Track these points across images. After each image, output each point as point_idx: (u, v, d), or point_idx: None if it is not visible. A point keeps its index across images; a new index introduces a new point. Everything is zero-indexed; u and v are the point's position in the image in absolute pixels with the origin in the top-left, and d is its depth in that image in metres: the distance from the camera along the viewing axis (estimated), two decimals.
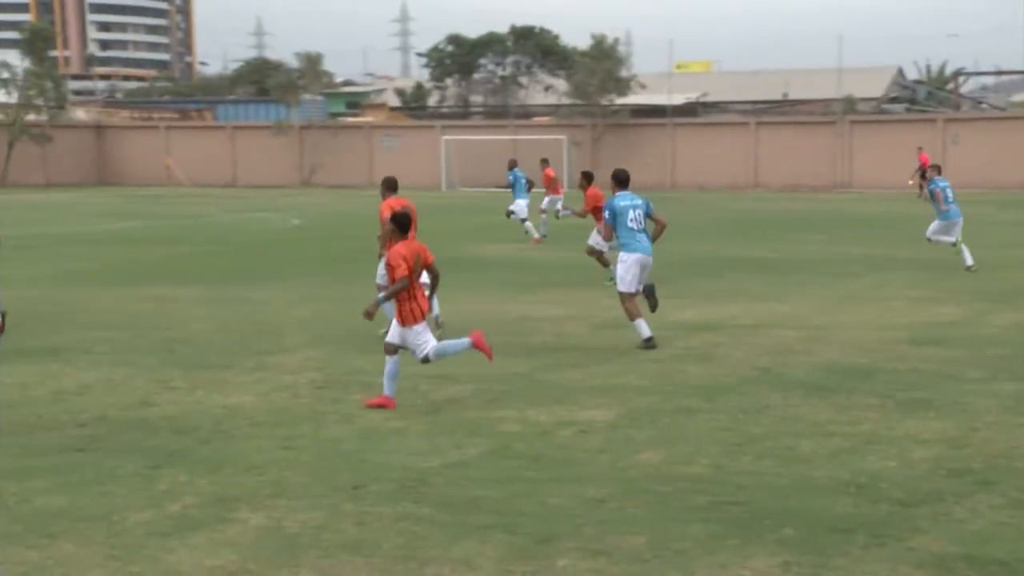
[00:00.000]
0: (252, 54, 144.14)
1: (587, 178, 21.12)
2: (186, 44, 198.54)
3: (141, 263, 23.45)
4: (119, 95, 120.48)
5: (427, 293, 11.05)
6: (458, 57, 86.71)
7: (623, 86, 64.96)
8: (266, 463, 8.57)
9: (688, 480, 8.10)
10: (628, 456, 8.77)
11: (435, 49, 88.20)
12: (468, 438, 9.33)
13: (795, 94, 74.89)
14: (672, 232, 16.84)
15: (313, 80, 71.76)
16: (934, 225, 21.97)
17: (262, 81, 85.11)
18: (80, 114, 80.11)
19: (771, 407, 10.36)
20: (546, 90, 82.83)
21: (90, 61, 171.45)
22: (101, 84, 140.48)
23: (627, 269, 13.84)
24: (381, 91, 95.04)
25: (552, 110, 73.42)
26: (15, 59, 67.42)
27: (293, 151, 68.21)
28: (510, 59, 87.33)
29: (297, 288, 19.27)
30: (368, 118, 75.86)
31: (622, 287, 13.92)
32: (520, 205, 29.15)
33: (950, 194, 21.60)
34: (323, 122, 71.77)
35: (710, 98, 75.61)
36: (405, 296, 10.58)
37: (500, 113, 78.43)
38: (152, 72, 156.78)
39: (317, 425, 9.80)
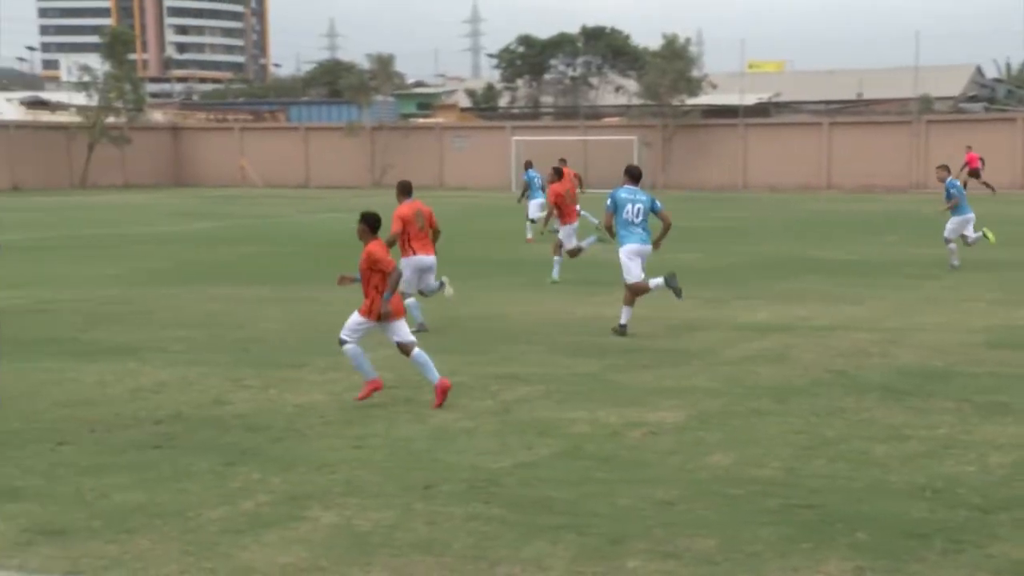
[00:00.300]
0: (325, 56, 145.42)
1: (557, 173, 21.78)
2: (260, 46, 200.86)
3: (215, 263, 23.74)
4: (195, 97, 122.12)
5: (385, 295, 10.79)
6: (529, 58, 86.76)
7: (694, 86, 64.61)
8: (338, 462, 8.63)
9: (759, 483, 8.03)
10: (698, 458, 8.72)
11: (506, 50, 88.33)
12: (538, 439, 9.33)
13: (870, 93, 73.96)
14: (744, 233, 16.71)
15: (385, 81, 72.23)
16: (950, 225, 22.13)
17: (334, 82, 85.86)
18: (157, 116, 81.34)
19: (845, 410, 10.24)
20: (616, 90, 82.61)
21: (167, 64, 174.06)
22: (178, 86, 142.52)
23: (630, 259, 14.64)
24: (452, 92, 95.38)
25: (622, 111, 73.20)
26: (96, 63, 68.64)
27: (365, 152, 68.68)
28: (580, 59, 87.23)
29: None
30: (439, 119, 76.20)
31: (629, 278, 14.58)
32: (532, 205, 29.92)
33: (962, 195, 22.10)
34: (394, 123, 72.19)
35: (783, 98, 74.92)
36: (374, 292, 10.71)
37: (570, 114, 78.40)
38: (227, 74, 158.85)
39: (388, 424, 9.86)
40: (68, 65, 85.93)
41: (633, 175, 14.93)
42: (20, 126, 67.99)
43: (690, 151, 63.31)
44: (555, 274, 20.44)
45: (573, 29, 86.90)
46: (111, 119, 67.34)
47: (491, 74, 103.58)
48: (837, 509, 7.43)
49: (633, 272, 14.57)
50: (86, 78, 67.15)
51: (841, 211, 42.05)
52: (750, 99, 68.62)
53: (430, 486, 7.99)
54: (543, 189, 29.64)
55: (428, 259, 14.66)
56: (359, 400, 10.65)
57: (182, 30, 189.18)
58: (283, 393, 11.10)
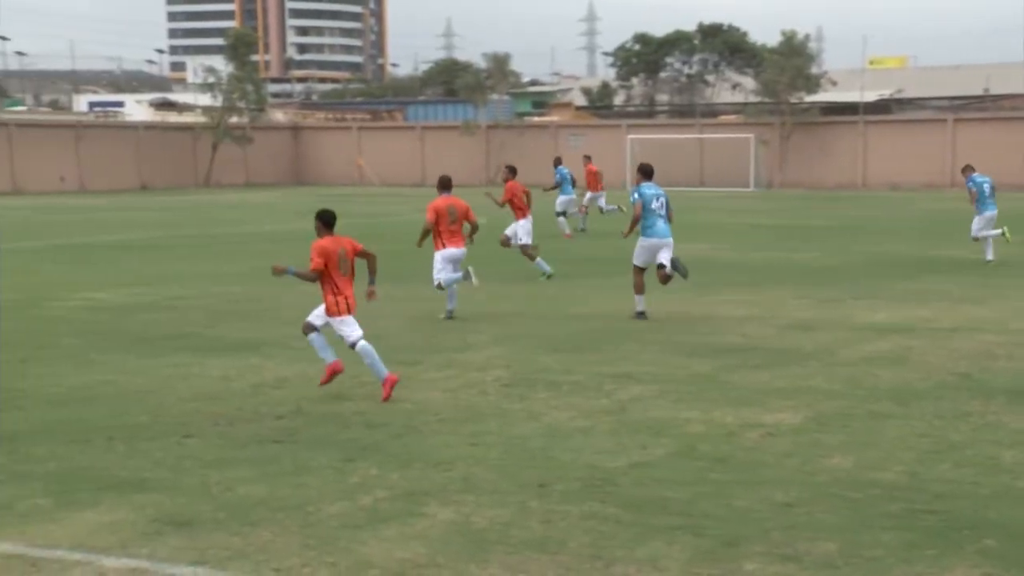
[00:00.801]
0: (442, 55, 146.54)
1: (511, 171, 22.14)
2: (378, 47, 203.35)
3: None
4: (314, 97, 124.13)
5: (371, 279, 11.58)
6: (644, 56, 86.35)
7: (813, 83, 63.62)
8: (454, 459, 8.71)
9: (881, 486, 7.89)
10: (817, 460, 8.60)
11: (621, 48, 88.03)
12: (653, 438, 9.30)
13: (997, 89, 72.03)
14: (863, 232, 16.43)
15: (500, 80, 72.56)
16: (977, 222, 22.83)
17: (451, 82, 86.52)
18: (278, 116, 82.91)
19: (970, 414, 10.00)
20: (733, 88, 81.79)
21: (288, 64, 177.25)
22: (298, 87, 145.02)
23: (642, 251, 15.81)
24: (567, 90, 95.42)
25: (739, 108, 72.41)
26: (220, 64, 70.24)
27: (480, 151, 69.08)
28: (697, 57, 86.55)
29: (483, 285, 19.49)
30: (554, 117, 76.30)
31: (636, 262, 15.88)
32: (562, 200, 30.85)
33: (988, 190, 22.85)
34: (509, 122, 72.47)
35: (905, 94, 73.38)
36: (330, 290, 11.05)
37: (686, 112, 77.84)
38: (346, 74, 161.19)
39: (504, 422, 9.92)
40: (194, 67, 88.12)
41: (647, 172, 16.09)
42: (148, 127, 69.94)
43: (808, 149, 62.35)
44: (547, 269, 20.59)
45: (689, 27, 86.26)
46: (234, 119, 68.80)
47: (606, 72, 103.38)
48: (963, 515, 7.27)
49: (642, 259, 15.82)
50: (211, 79, 68.77)
51: (965, 210, 40.95)
52: (870, 96, 67.34)
53: (545, 484, 8.02)
54: (574, 184, 31.23)
55: (457, 251, 16.03)
56: (322, 384, 11.10)
57: (303, 31, 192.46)
58: (400, 390, 11.22)
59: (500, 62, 71.96)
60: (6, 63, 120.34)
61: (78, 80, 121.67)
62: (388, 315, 16.26)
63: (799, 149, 62.40)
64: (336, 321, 11.10)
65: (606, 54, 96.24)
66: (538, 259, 20.75)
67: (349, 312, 11.09)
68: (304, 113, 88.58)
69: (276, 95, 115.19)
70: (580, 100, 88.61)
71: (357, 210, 43.17)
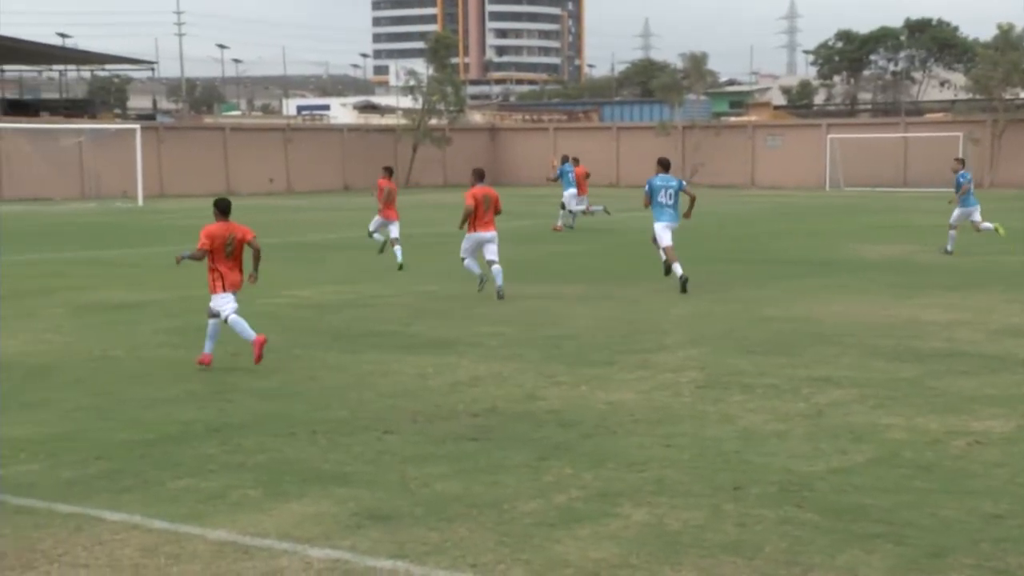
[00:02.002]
0: (638, 56, 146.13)
1: (387, 171, 24.13)
2: (576, 48, 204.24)
3: (528, 261, 24.30)
4: (512, 98, 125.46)
5: (254, 269, 12.77)
6: (847, 53, 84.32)
7: None
8: (648, 460, 8.68)
9: None
10: None
11: (823, 46, 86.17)
12: (853, 444, 9.07)
13: None
14: None
15: (697, 80, 71.94)
16: (958, 212, 24.67)
17: (647, 82, 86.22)
18: (476, 117, 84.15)
19: None
20: (942, 85, 79.04)
21: (487, 67, 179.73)
22: (496, 88, 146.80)
23: (664, 231, 18.76)
24: (765, 90, 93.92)
25: (947, 106, 69.97)
26: (421, 67, 71.76)
27: (675, 151, 68.58)
28: (903, 54, 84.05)
29: (674, 287, 19.39)
30: (751, 117, 75.20)
31: (663, 243, 18.76)
32: (567, 195, 33.15)
33: (970, 186, 24.70)
34: (706, 122, 71.77)
35: None
36: (212, 269, 12.54)
37: (890, 110, 75.62)
38: (543, 76, 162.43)
39: (698, 424, 9.83)
40: (396, 70, 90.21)
41: (664, 165, 19.24)
42: (352, 129, 72.00)
43: (1021, 147, 59.74)
44: (400, 258, 22.49)
45: (895, 23, 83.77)
46: (434, 121, 70.14)
47: (807, 71, 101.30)
48: None
49: (664, 239, 18.76)
50: (412, 82, 70.25)
51: None
52: None
53: (740, 487, 7.92)
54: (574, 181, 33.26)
55: (487, 234, 18.17)
56: (197, 363, 12.43)
57: (501, 34, 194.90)
58: (594, 390, 11.26)
59: (697, 62, 71.32)
60: (223, 70, 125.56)
61: (288, 85, 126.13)
62: (584, 315, 16.33)
63: (1012, 147, 59.86)
64: (214, 296, 12.56)
65: (807, 52, 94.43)
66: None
67: (224, 290, 12.52)
68: (501, 114, 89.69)
69: (475, 97, 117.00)
70: (779, 99, 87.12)
71: (553, 211, 43.41)
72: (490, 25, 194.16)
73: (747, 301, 17.61)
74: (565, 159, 35.01)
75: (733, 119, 76.12)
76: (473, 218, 18.07)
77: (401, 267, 22.06)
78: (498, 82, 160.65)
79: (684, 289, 18.21)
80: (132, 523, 7.30)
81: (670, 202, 18.72)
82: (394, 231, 23.28)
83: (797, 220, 37.51)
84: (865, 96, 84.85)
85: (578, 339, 14.38)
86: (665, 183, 18.83)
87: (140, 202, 49.93)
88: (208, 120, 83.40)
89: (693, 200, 18.93)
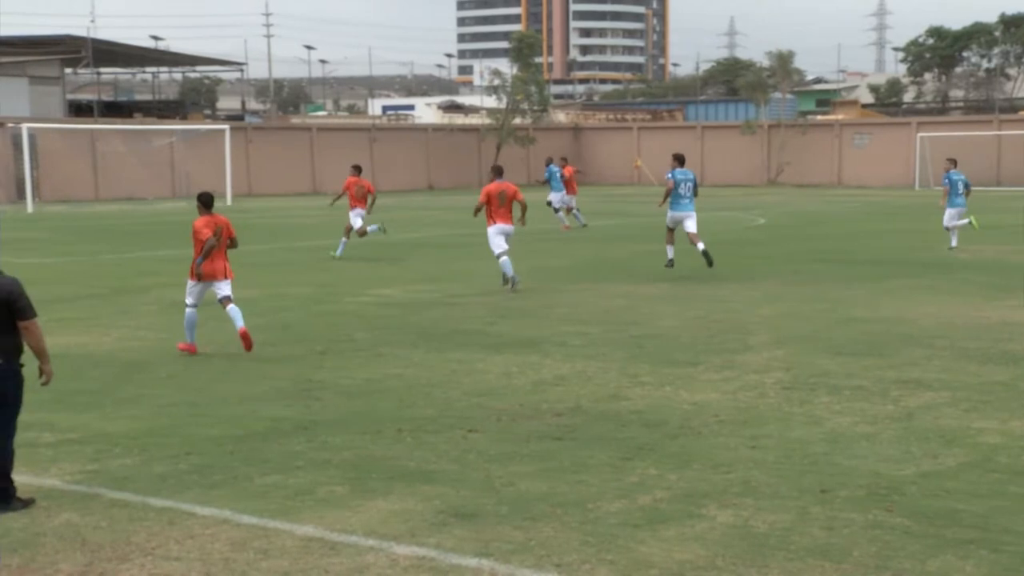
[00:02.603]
0: (723, 54, 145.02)
1: (355, 170, 25.42)
2: (660, 47, 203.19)
3: (611, 260, 24.26)
4: (596, 98, 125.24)
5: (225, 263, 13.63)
6: (938, 50, 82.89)
7: None
8: (733, 461, 8.62)
9: None
10: None
11: (913, 43, 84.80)
12: (944, 447, 8.92)
13: None
14: None
15: (783, 79, 71.16)
16: (949, 213, 25.73)
17: (732, 81, 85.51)
18: (560, 117, 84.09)
19: None
20: None
21: (571, 66, 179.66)
22: (580, 87, 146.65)
23: (672, 218, 21.11)
24: (853, 88, 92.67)
25: None
26: (505, 67, 71.92)
27: (760, 150, 67.99)
28: (997, 50, 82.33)
29: (761, 287, 19.23)
30: (838, 116, 74.22)
31: (668, 224, 21.19)
32: (555, 197, 34.33)
33: (960, 187, 25.59)
34: (792, 121, 70.97)
35: None
36: (194, 258, 13.36)
37: (983, 108, 74.16)
38: (627, 75, 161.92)
39: (783, 426, 9.74)
40: (480, 70, 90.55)
41: (680, 160, 21.48)
42: (437, 129, 72.37)
43: None
44: (340, 252, 24.43)
45: (989, 18, 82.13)
46: (517, 120, 70.23)
47: (896, 68, 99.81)
48: None
49: (689, 227, 20.92)
50: (496, 82, 70.40)
51: None
52: None
53: (827, 490, 7.83)
54: (563, 181, 34.27)
55: (507, 227, 19.30)
56: (180, 350, 13.33)
57: (585, 33, 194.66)
58: (678, 390, 11.21)
59: (784, 60, 70.53)
60: (310, 71, 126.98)
61: (374, 85, 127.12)
62: (669, 315, 16.25)
63: None
64: (188, 284, 13.58)
65: (897, 49, 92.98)
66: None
67: (198, 280, 13.42)
68: (585, 114, 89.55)
69: (558, 96, 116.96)
70: (867, 98, 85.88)
71: (636, 210, 43.27)
72: (574, 24, 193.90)
73: (834, 301, 17.40)
74: (550, 161, 35.96)
75: (820, 118, 75.15)
76: (491, 211, 19.25)
77: (334, 257, 24.22)
78: (582, 81, 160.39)
79: (710, 263, 20.64)
80: (222, 518, 7.42)
81: (688, 193, 21.02)
82: (359, 222, 25.02)
83: (885, 220, 36.96)
84: (957, 93, 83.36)
85: (662, 339, 14.31)
86: (685, 176, 21.04)
87: (228, 201, 50.69)
88: (295, 120, 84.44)
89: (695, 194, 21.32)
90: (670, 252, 21.10)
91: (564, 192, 34.19)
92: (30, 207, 44.67)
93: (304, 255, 25.56)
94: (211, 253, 13.31)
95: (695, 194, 21.14)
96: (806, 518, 7.28)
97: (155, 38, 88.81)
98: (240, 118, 78.99)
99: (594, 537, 6.98)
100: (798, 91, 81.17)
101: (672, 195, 20.95)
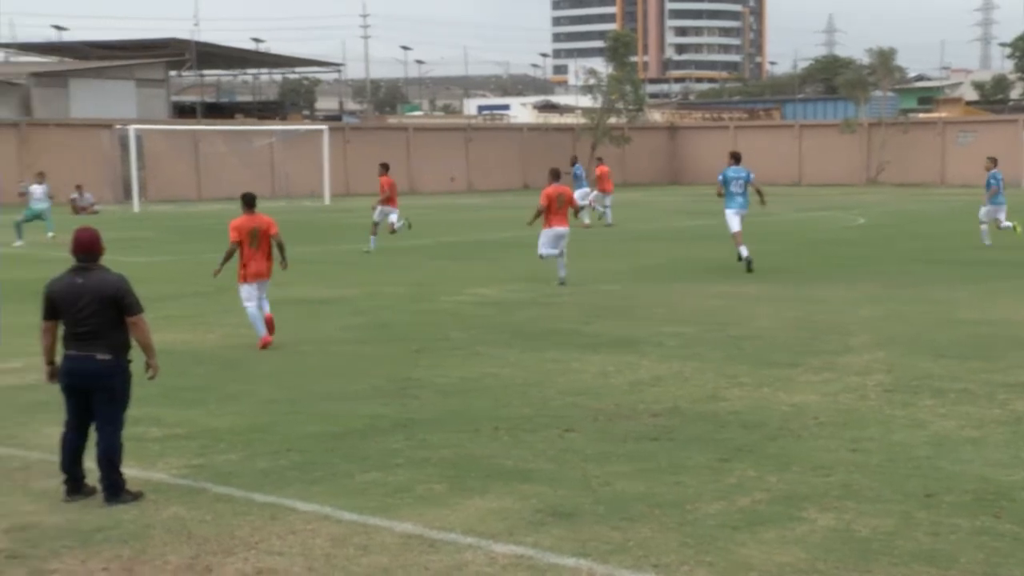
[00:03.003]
0: (822, 52, 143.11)
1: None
2: (757, 45, 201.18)
3: (707, 260, 24.07)
4: (691, 97, 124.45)
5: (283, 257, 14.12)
6: None
7: None
8: (834, 464, 8.51)
9: None
10: None
11: (1021, 38, 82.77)
12: None
13: None
14: None
15: (884, 76, 69.99)
16: (984, 209, 26.31)
17: (831, 79, 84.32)
18: (655, 116, 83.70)
19: None
20: None
21: (666, 65, 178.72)
22: (675, 86, 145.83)
23: (731, 217, 21.55)
24: (957, 85, 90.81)
25: None
26: (600, 66, 71.77)
27: (860, 149, 66.93)
28: None
29: (861, 287, 18.94)
30: (942, 114, 72.78)
31: (732, 228, 21.54)
32: (579, 193, 33.36)
33: (1000, 185, 25.98)
34: (893, 119, 69.75)
35: None
36: (239, 261, 13.75)
37: None
38: (723, 73, 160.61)
39: (885, 428, 9.58)
40: (575, 69, 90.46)
41: (736, 158, 22.11)
42: (532, 128, 72.48)
43: None
44: (372, 245, 25.79)
45: None
46: (612, 120, 70.03)
47: (1003, 64, 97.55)
48: None
49: (733, 226, 21.46)
50: (591, 81, 70.28)
51: None
52: None
53: (932, 495, 7.69)
54: (594, 179, 35.83)
55: (561, 230, 19.54)
56: (261, 347, 13.57)
57: (681, 31, 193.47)
58: (776, 392, 11.09)
59: (884, 57, 69.37)
60: (406, 71, 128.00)
61: (469, 85, 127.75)
62: (767, 315, 16.08)
63: None
64: (240, 287, 13.79)
65: (1003, 45, 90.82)
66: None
67: (247, 280, 13.71)
68: (681, 113, 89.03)
69: (654, 95, 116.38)
70: (971, 95, 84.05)
71: None
72: (669, 23, 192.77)
73: (938, 303, 17.07)
74: (575, 160, 36.80)
75: (922, 115, 73.78)
76: (548, 214, 19.40)
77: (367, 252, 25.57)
78: (677, 80, 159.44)
79: (749, 269, 20.90)
80: (323, 514, 7.52)
81: (740, 191, 21.46)
82: (392, 217, 26.76)
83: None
84: None
85: (760, 339, 14.17)
86: (737, 174, 21.57)
87: (327, 200, 51.31)
88: (391, 120, 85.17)
89: (759, 190, 21.77)
90: (743, 251, 21.31)
91: (589, 189, 35.26)
92: (136, 207, 45.67)
93: (400, 255, 25.77)
94: (230, 258, 13.87)
95: (747, 191, 21.67)
96: (910, 523, 7.15)
97: (256, 40, 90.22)
98: (338, 118, 79.92)
99: (693, 539, 6.94)
100: (899, 89, 79.71)
101: (726, 193, 21.54)
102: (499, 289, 19.40)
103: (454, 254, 25.17)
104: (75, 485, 7.93)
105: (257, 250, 13.79)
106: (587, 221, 33.60)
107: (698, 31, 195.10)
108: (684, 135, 75.76)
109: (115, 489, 7.82)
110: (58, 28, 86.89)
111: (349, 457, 8.90)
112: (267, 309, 14.02)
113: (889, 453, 8.81)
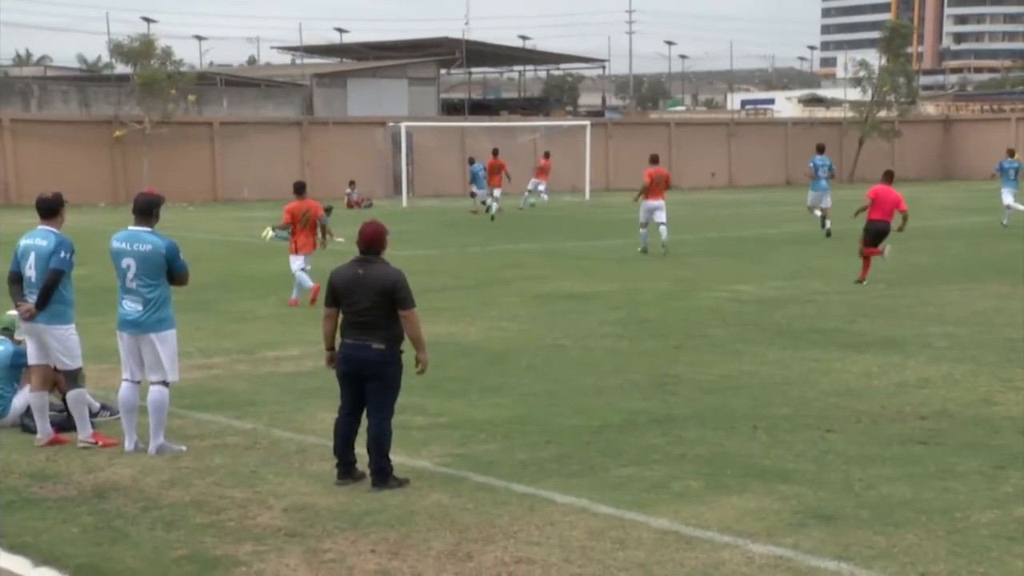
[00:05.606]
0: None
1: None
2: None
3: (983, 259, 22.98)
4: (969, 88, 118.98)
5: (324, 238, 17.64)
6: None
7: None
8: None
9: None
10: None
11: None
12: None
13: None
14: None
15: None
16: (1008, 195, 30.51)
17: None
18: (929, 109, 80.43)
19: None
20: None
21: (943, 55, 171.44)
22: (952, 77, 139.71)
23: (813, 197, 28.60)
24: None
25: None
26: (872, 58, 69.50)
27: None
28: None
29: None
30: None
31: (823, 204, 28.06)
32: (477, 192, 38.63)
33: (1012, 174, 30.63)
34: None
35: None
36: (292, 237, 17.24)
37: None
38: (1006, 62, 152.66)
39: None
40: (845, 62, 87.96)
41: (820, 149, 29.35)
42: (796, 123, 70.93)
43: None
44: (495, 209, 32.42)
45: None
46: (882, 113, 67.71)
47: None
48: None
49: (820, 203, 28.11)
50: (861, 73, 68.15)
51: None
52: None
53: None
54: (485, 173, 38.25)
55: (656, 203, 23.88)
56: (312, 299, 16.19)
57: (961, 20, 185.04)
58: None
59: None
60: (669, 66, 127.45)
61: (733, 79, 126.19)
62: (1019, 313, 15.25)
63: None
64: (292, 257, 17.22)
65: None
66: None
67: (297, 252, 17.12)
68: (957, 105, 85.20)
69: (927, 87, 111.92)
70: None
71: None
72: (948, 11, 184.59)
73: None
74: (472, 160, 40.75)
75: None
76: (648, 191, 23.83)
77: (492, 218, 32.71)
78: (954, 71, 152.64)
79: (828, 235, 26.69)
80: (580, 507, 7.62)
81: (826, 175, 28.33)
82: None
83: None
84: None
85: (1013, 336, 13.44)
86: (823, 162, 28.45)
87: (587, 196, 51.70)
88: (653, 116, 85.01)
89: (832, 175, 29.03)
90: (826, 223, 27.19)
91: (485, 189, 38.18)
92: (404, 201, 47.25)
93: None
94: (284, 232, 17.42)
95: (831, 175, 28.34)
96: None
97: (523, 37, 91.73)
98: (600, 114, 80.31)
99: (963, 548, 6.67)
100: None
101: (815, 179, 28.37)
102: (761, 286, 19.10)
103: (715, 250, 24.92)
104: (346, 469, 8.30)
105: (305, 227, 17.20)
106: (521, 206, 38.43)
107: (979, 18, 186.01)
108: (959, 128, 72.39)
109: (383, 474, 8.15)
110: (340, 30, 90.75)
111: (606, 451, 8.98)
112: (309, 283, 16.72)
113: None
